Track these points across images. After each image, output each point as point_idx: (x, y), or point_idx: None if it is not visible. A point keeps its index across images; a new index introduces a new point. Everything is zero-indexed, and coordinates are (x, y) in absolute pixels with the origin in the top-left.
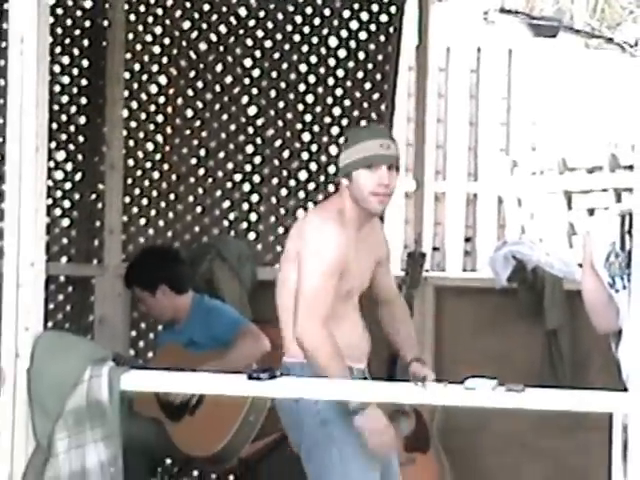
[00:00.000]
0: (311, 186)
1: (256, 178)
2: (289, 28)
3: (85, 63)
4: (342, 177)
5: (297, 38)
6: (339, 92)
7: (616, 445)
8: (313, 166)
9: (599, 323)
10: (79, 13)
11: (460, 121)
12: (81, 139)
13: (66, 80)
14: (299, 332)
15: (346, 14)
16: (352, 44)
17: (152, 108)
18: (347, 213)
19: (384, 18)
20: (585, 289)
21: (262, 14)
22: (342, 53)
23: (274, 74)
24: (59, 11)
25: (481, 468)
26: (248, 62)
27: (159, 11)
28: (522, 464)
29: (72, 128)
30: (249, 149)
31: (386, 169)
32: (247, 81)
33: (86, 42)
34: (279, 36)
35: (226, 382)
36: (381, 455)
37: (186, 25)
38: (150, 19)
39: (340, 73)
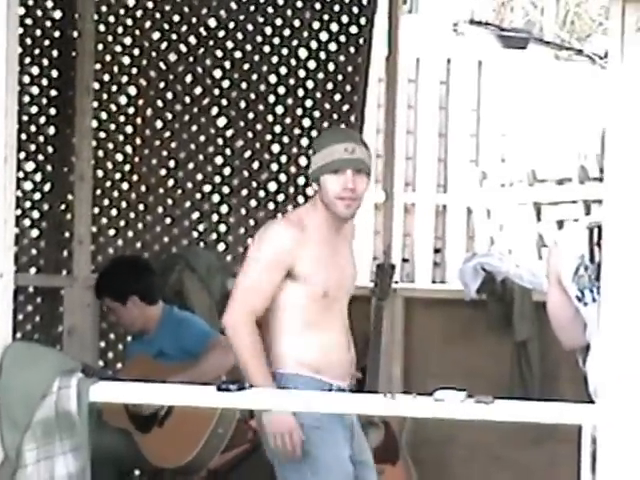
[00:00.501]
0: (280, 197)
1: (225, 189)
2: (259, 39)
3: (54, 73)
4: (313, 182)
5: (267, 49)
6: (309, 103)
7: (585, 457)
8: (283, 177)
9: (565, 338)
10: (48, 23)
11: (430, 132)
12: (50, 150)
13: (35, 90)
14: (224, 321)
15: (316, 25)
16: (322, 55)
17: (121, 119)
18: (313, 217)
19: (354, 29)
20: (551, 303)
21: (232, 25)
22: (312, 64)
23: (244, 85)
24: (28, 21)
25: (450, 479)
26: (218, 73)
27: (129, 21)
28: (491, 476)
29: (41, 138)
30: (219, 160)
31: (351, 173)
32: (217, 92)
33: (55, 52)
34: (249, 47)
35: (195, 393)
36: (284, 455)
37: (156, 36)
38: (120, 29)
39: (310, 84)
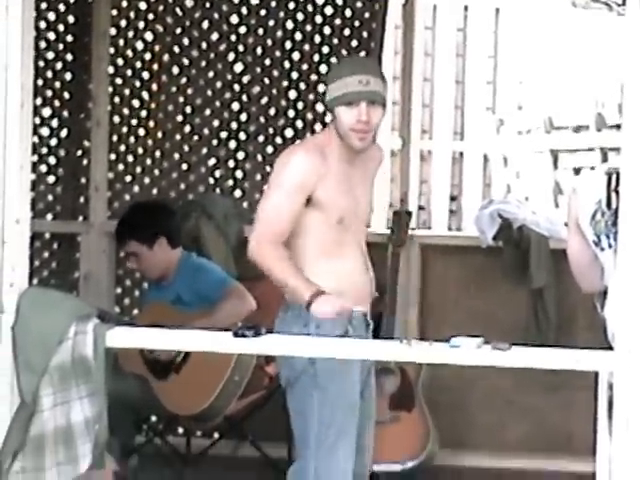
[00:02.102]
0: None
1: (242, 135)
2: None
3: (71, 19)
4: (328, 112)
5: None
6: (325, 50)
7: (601, 403)
8: (299, 123)
9: (584, 282)
10: None
11: (447, 80)
12: (67, 95)
13: (52, 36)
14: (250, 248)
15: None
16: (339, 1)
17: (138, 64)
18: (331, 145)
19: None
20: (570, 248)
21: None
22: (329, 10)
23: (260, 31)
24: None
25: (466, 426)
26: (234, 19)
27: None
28: (507, 422)
29: (58, 84)
30: (235, 106)
31: (365, 105)
32: (233, 38)
33: None
34: None
35: (212, 339)
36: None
37: None
38: None
39: (327, 30)
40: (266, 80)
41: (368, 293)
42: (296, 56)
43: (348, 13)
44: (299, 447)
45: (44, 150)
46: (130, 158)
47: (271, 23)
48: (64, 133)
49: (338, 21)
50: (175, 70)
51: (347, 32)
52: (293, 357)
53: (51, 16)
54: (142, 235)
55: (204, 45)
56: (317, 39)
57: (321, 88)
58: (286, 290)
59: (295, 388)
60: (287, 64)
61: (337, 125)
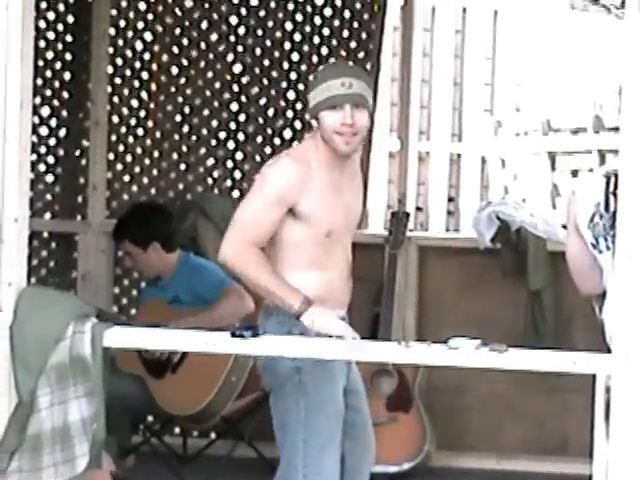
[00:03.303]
0: (296, 145)
1: (241, 136)
2: None
3: (70, 19)
4: (311, 119)
5: None
6: (325, 51)
7: (598, 406)
8: (298, 124)
9: (583, 285)
10: None
11: (445, 81)
12: (66, 95)
13: (51, 36)
14: (221, 252)
15: None
16: (338, 2)
17: (137, 64)
18: (317, 154)
19: None
20: (569, 250)
21: None
22: (328, 11)
23: (260, 32)
24: None
25: (463, 428)
26: (234, 19)
27: None
28: (504, 424)
29: (57, 84)
30: (234, 107)
31: (349, 108)
32: (232, 38)
33: None
34: None
35: (209, 339)
36: (343, 335)
37: None
38: None
39: (326, 31)
40: (265, 81)
41: (347, 299)
42: (295, 57)
43: (347, 14)
44: (284, 453)
45: (43, 149)
46: (129, 158)
47: (270, 24)
48: (63, 132)
49: (337, 22)
50: (174, 70)
51: (346, 33)
52: (277, 363)
53: (51, 16)
54: (136, 238)
55: (203, 45)
56: (316, 40)
57: None
58: (268, 297)
59: (279, 395)
60: (286, 65)
61: (322, 131)
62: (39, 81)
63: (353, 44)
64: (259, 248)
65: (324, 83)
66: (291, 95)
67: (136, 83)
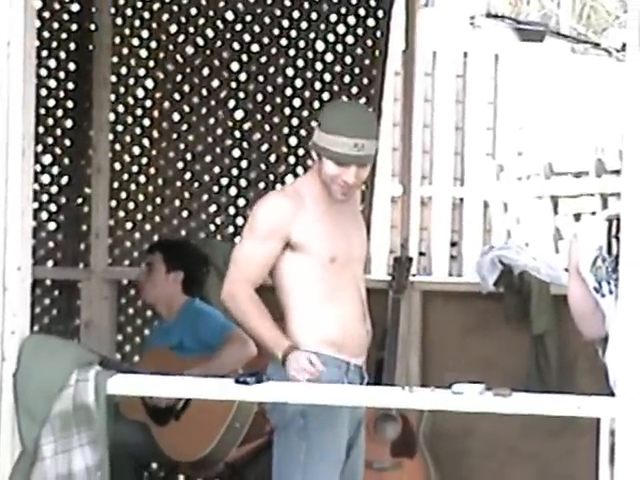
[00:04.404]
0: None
1: (243, 182)
2: (276, 32)
3: (72, 66)
4: (312, 150)
5: (284, 42)
6: (326, 96)
7: (603, 450)
8: (300, 170)
9: (585, 329)
10: (66, 16)
11: (446, 126)
12: (67, 142)
13: (53, 83)
14: (223, 294)
15: (333, 18)
16: (339, 48)
17: (139, 112)
18: (313, 187)
19: (371, 22)
20: (571, 295)
21: (249, 18)
22: (329, 57)
23: (261, 78)
24: (46, 14)
25: (468, 473)
26: (235, 66)
27: (146, 14)
28: (509, 469)
29: (58, 131)
30: (236, 153)
31: (355, 168)
32: (234, 85)
33: (73, 45)
34: (266, 40)
35: (213, 386)
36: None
37: (173, 28)
38: (137, 22)
39: (327, 77)
40: (267, 127)
41: (365, 345)
42: (297, 103)
43: (348, 60)
44: None
45: (45, 197)
46: (131, 205)
47: (271, 70)
48: (65, 180)
49: (338, 68)
50: (176, 117)
51: (347, 79)
52: (283, 404)
53: (52, 63)
54: (170, 256)
55: (205, 92)
56: (317, 86)
57: None
58: (257, 340)
59: (282, 435)
60: (288, 111)
61: (321, 171)
62: (41, 129)
63: (355, 89)
64: (255, 287)
65: (336, 135)
66: (293, 141)
67: (138, 130)
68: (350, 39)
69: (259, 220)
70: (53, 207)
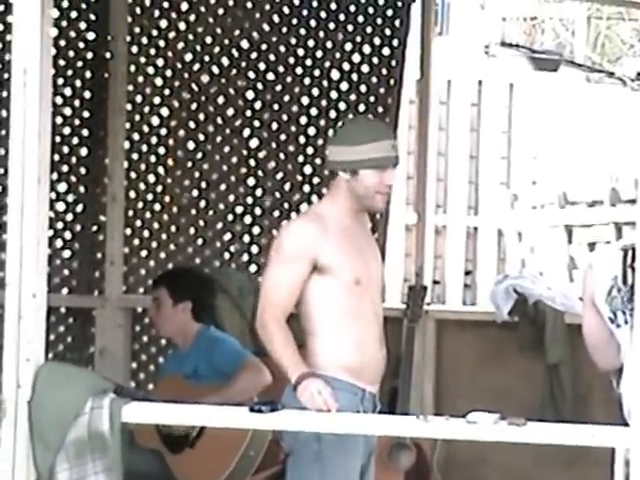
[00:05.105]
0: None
1: (257, 210)
2: (291, 61)
3: (87, 95)
4: (342, 171)
5: (299, 70)
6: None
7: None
8: (315, 199)
9: (600, 360)
10: (81, 45)
11: (461, 154)
12: (83, 171)
13: (68, 112)
14: (256, 323)
15: (348, 47)
16: (354, 77)
17: (154, 140)
18: (333, 210)
19: (386, 51)
20: (586, 325)
21: (264, 46)
22: (344, 86)
23: (276, 106)
24: (62, 43)
25: None
26: (250, 94)
27: (161, 43)
28: None
29: (74, 159)
30: (250, 181)
31: (392, 170)
32: (249, 113)
33: (88, 74)
34: (281, 68)
35: (228, 415)
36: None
37: (188, 57)
38: (152, 51)
39: (342, 106)
40: (282, 155)
41: (381, 372)
42: (312, 131)
43: (363, 88)
44: None
45: (60, 225)
46: (146, 233)
47: (286, 98)
48: (80, 208)
49: (353, 96)
50: (191, 145)
51: (362, 107)
52: (299, 431)
53: (68, 91)
54: (175, 288)
55: (220, 120)
56: (332, 114)
57: None
58: (278, 365)
59: (296, 459)
60: (302, 139)
61: (357, 186)
62: (56, 157)
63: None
64: (286, 314)
65: (372, 142)
66: (308, 170)
67: (153, 158)
68: (365, 68)
69: (286, 245)
70: (68, 235)
